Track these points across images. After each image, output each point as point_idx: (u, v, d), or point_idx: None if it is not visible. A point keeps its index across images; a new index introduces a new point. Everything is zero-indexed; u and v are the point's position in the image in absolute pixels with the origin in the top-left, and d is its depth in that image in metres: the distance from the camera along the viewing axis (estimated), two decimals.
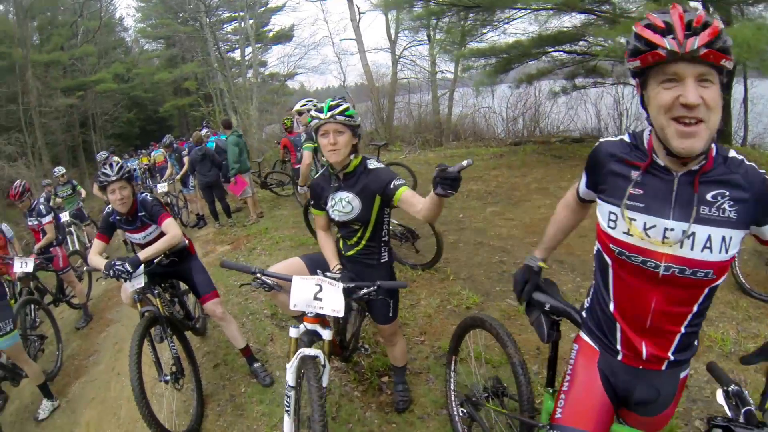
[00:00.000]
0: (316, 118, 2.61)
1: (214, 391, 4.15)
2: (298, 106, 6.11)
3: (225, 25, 25.82)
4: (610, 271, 1.65)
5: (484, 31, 13.67)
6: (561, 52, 12.54)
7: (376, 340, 4.41)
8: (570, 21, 11.58)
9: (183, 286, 4.55)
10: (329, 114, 2.55)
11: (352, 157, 2.73)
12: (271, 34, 25.47)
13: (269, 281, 2.66)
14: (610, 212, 1.58)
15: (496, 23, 13.09)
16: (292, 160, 9.51)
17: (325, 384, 2.45)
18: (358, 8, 19.11)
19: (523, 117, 15.60)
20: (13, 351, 4.42)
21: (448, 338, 4.28)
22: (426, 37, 18.62)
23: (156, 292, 3.75)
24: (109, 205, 3.72)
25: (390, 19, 18.99)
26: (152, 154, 13.51)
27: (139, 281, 3.52)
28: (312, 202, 3.02)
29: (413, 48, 19.48)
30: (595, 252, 1.73)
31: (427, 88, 19.16)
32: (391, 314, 3.01)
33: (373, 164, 2.76)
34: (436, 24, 16.80)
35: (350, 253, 2.96)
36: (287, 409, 2.48)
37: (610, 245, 1.59)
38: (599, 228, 1.64)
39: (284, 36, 25.09)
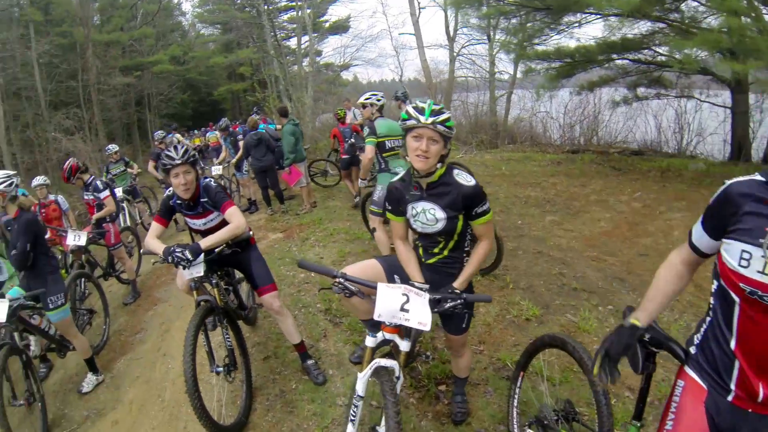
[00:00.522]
0: (413, 118, 2.41)
1: (263, 385, 4.01)
2: (362, 99, 5.95)
3: (282, 13, 25.93)
4: (737, 309, 1.56)
5: (551, 34, 13.20)
6: (626, 60, 12.06)
7: (434, 346, 4.21)
8: (636, 28, 11.08)
9: (238, 274, 4.43)
10: (431, 120, 2.38)
11: (438, 165, 2.55)
12: (327, 25, 25.44)
13: (352, 287, 2.48)
14: (743, 251, 1.48)
15: (563, 27, 12.62)
16: (340, 150, 9.52)
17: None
18: (419, 3, 19.08)
19: (581, 124, 15.11)
20: (63, 325, 4.41)
21: (508, 349, 4.10)
22: (486, 37, 18.31)
23: (214, 281, 3.61)
24: (170, 188, 3.58)
25: (449, 16, 18.83)
26: (207, 135, 13.61)
27: (198, 270, 3.39)
28: (390, 208, 2.84)
29: (471, 46, 19.29)
30: (714, 289, 1.66)
31: (484, 88, 18.86)
32: (464, 325, 2.89)
33: (462, 177, 2.58)
34: (497, 23, 16.57)
35: (431, 261, 2.82)
36: (352, 419, 2.43)
37: (740, 284, 1.49)
38: (725, 267, 1.55)
39: (341, 27, 25.05)
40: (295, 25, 23.85)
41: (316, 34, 22.10)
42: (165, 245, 3.40)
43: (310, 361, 3.96)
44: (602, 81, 13.16)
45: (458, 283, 2.63)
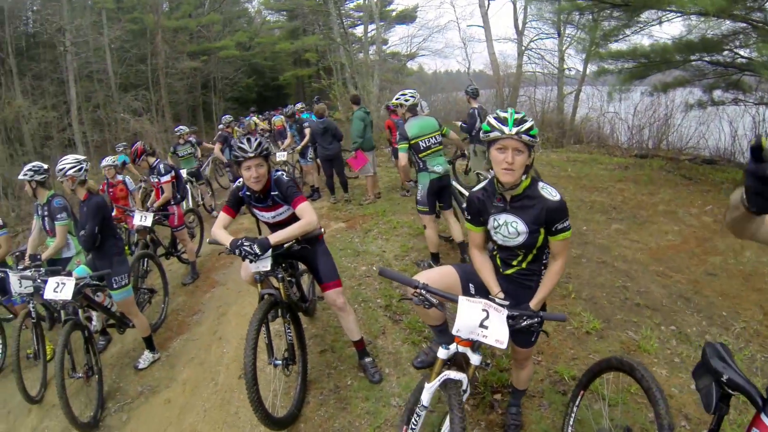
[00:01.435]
0: (496, 129, 2.35)
1: (318, 378, 3.96)
2: (393, 100, 5.85)
3: (348, 1, 26.01)
4: None
5: (626, 32, 12.52)
6: (703, 62, 11.24)
7: (493, 353, 4.04)
8: (717, 28, 10.29)
9: (302, 266, 4.38)
10: (515, 130, 2.31)
11: (523, 177, 2.48)
12: (394, 14, 25.35)
13: (433, 299, 2.44)
14: None
15: (640, 25, 11.91)
16: (393, 141, 9.38)
17: None
18: None
19: (650, 127, 14.32)
20: (125, 304, 4.54)
21: (566, 362, 3.96)
22: (556, 32, 17.73)
23: (279, 275, 3.52)
24: (240, 179, 3.51)
25: (518, 9, 18.38)
26: (273, 119, 13.75)
27: (265, 264, 3.31)
28: (469, 217, 2.79)
29: (540, 41, 18.64)
30: None
31: (551, 84, 18.22)
32: (533, 339, 2.82)
33: (547, 191, 2.52)
34: (568, 18, 15.76)
35: (508, 272, 2.78)
36: (413, 428, 2.47)
37: None
38: None
39: (408, 16, 24.88)
40: (361, 13, 23.84)
41: (382, 23, 22.03)
42: (232, 237, 3.35)
43: (367, 359, 3.90)
44: (677, 83, 12.36)
45: (534, 303, 2.62)
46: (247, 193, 3.51)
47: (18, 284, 4.36)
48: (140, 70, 19.78)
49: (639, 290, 5.06)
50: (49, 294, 3.85)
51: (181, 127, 10.19)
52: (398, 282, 2.56)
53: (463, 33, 26.68)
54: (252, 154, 3.21)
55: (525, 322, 2.33)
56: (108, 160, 7.48)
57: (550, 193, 2.49)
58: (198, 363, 4.65)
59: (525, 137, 2.32)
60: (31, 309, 4.52)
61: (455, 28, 27.03)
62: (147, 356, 4.76)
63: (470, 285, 2.90)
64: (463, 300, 2.33)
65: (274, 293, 3.47)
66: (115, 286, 4.37)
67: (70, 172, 4.26)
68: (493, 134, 2.35)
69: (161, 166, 6.49)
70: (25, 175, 4.81)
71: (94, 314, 4.94)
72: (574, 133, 16.34)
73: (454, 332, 2.31)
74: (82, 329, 4.07)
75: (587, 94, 17.25)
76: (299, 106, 12.40)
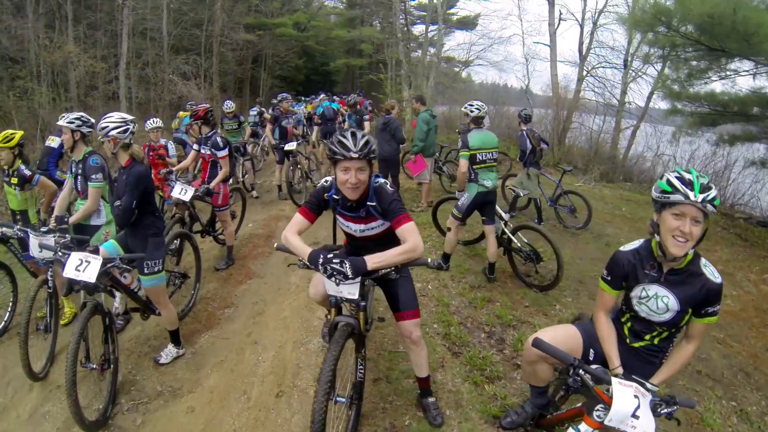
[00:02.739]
0: (680, 193, 2.16)
1: (371, 412, 3.45)
2: (462, 108, 5.84)
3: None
4: None
5: (711, 76, 11.80)
6: None
7: None
8: None
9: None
10: (700, 197, 2.13)
11: (691, 250, 2.28)
12: (455, 18, 24.70)
13: (589, 381, 2.20)
14: None
15: (727, 72, 11.15)
16: None
17: None
18: (560, 13, 17.90)
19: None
20: (155, 292, 3.97)
21: None
22: (622, 63, 17.08)
23: (363, 304, 2.85)
24: (327, 178, 2.97)
25: (585, 33, 17.76)
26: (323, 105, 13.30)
27: (353, 291, 2.72)
28: (609, 278, 2.58)
29: (602, 69, 17.95)
30: None
31: (608, 114, 17.69)
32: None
33: (709, 270, 2.35)
34: (636, 50, 15.74)
35: (637, 345, 2.58)
36: None
37: None
38: None
39: (469, 23, 24.21)
40: (424, 13, 23.29)
41: (444, 26, 21.40)
42: (310, 247, 2.75)
43: (430, 399, 3.45)
44: (745, 137, 11.90)
45: (657, 380, 2.44)
46: (335, 196, 2.92)
47: (37, 249, 3.84)
48: (194, 34, 19.56)
49: (700, 356, 4.66)
50: (69, 272, 3.29)
51: (227, 102, 9.78)
52: (554, 356, 2.27)
53: (527, 49, 25.65)
54: (355, 155, 2.62)
55: (664, 411, 2.09)
56: (154, 122, 6.95)
57: (712, 273, 2.32)
58: (228, 369, 4.09)
59: (709, 207, 2.14)
60: (49, 277, 4.05)
61: (518, 43, 26.54)
62: (170, 350, 4.20)
63: (591, 350, 2.67)
64: (616, 383, 2.08)
65: (354, 324, 2.84)
66: (146, 271, 3.79)
67: (114, 132, 3.66)
68: (675, 197, 2.17)
69: (218, 138, 5.85)
70: (72, 122, 4.27)
71: (117, 295, 4.46)
72: (625, 170, 15.89)
73: (606, 422, 2.05)
74: (103, 315, 3.52)
75: (645, 132, 16.94)
76: (321, 95, 11.99)
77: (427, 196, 8.90)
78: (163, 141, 6.91)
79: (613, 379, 2.10)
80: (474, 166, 5.43)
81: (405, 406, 3.53)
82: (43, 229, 3.97)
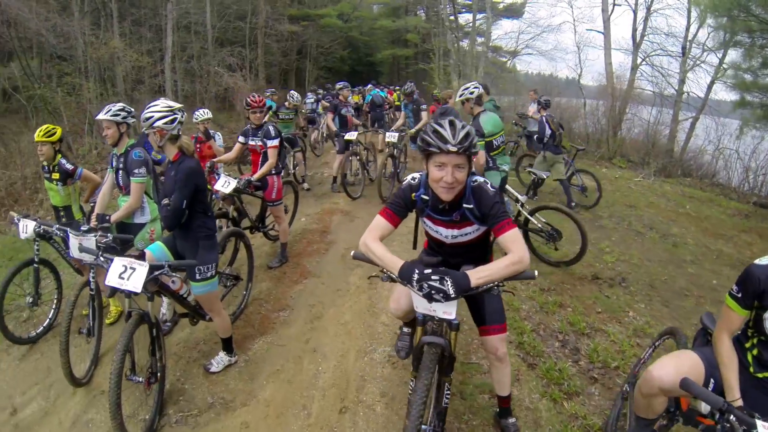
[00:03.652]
0: None
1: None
2: (458, 98, 5.72)
3: None
4: None
5: None
6: None
7: None
8: None
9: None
10: None
11: None
12: (501, 6, 23.82)
13: (738, 427, 1.87)
14: None
15: None
16: None
17: None
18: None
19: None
20: (207, 299, 3.58)
21: None
22: (680, 51, 15.93)
23: (456, 322, 2.36)
24: (415, 175, 2.61)
25: (638, 19, 16.74)
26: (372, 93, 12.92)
27: (451, 310, 2.29)
28: (739, 295, 2.21)
29: (657, 57, 16.86)
30: None
31: (664, 106, 16.59)
32: None
33: None
34: (695, 37, 14.93)
35: (762, 375, 2.21)
36: None
37: None
38: None
39: (516, 11, 23.28)
40: (470, 1, 22.59)
41: (491, 13, 20.67)
42: (403, 260, 2.35)
43: (510, 420, 3.13)
44: None
45: None
46: (424, 196, 2.55)
47: (77, 249, 3.58)
48: (238, 26, 19.54)
49: None
50: (112, 279, 2.98)
51: (292, 92, 9.50)
52: (703, 399, 1.98)
53: (578, 37, 24.46)
54: (453, 148, 2.23)
55: None
56: (204, 113, 6.65)
57: None
58: (285, 380, 3.72)
59: None
60: (91, 279, 3.75)
61: (568, 30, 25.58)
62: (222, 358, 3.83)
63: (711, 380, 2.29)
64: (762, 427, 1.83)
65: (444, 345, 2.40)
66: (198, 277, 3.39)
67: (160, 123, 3.23)
68: None
69: (270, 127, 5.43)
70: (117, 115, 3.97)
71: (165, 301, 4.16)
72: (683, 164, 15.08)
73: None
74: (150, 324, 3.18)
75: (704, 124, 15.92)
76: (369, 86, 11.62)
77: None
78: (211, 132, 6.60)
79: (759, 423, 1.85)
80: (492, 153, 5.27)
81: (482, 426, 3.19)
82: (83, 227, 3.73)
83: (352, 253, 2.54)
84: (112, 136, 4.01)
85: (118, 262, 2.99)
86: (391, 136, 8.73)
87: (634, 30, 16.94)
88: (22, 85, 13.13)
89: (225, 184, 5.15)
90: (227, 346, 3.82)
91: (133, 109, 4.15)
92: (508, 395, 3.02)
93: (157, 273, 3.05)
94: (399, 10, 26.60)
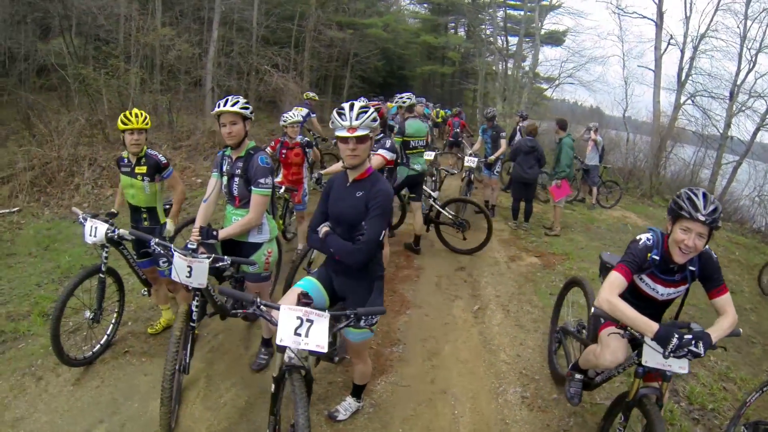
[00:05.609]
0: None
1: None
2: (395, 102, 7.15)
3: (499, 8, 24.64)
4: None
5: None
6: None
7: None
8: None
9: None
10: None
11: None
12: (543, 32, 23.74)
13: None
14: None
15: None
16: None
17: None
18: (670, 38, 16.88)
19: None
20: (361, 346, 3.04)
21: None
22: (728, 93, 15.91)
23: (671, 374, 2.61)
24: (647, 235, 2.77)
25: (685, 59, 16.74)
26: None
27: (684, 366, 2.55)
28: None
29: (702, 98, 16.84)
30: None
31: (705, 146, 16.80)
32: None
33: None
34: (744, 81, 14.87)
35: None
36: None
37: None
38: None
39: (556, 39, 23.15)
40: (515, 26, 22.48)
41: (530, 39, 20.59)
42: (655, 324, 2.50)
43: None
44: None
45: None
46: (656, 257, 2.71)
47: (183, 273, 3.08)
48: (285, 27, 19.31)
49: None
50: (287, 338, 2.31)
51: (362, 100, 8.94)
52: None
53: (626, 71, 24.08)
54: (702, 218, 2.46)
55: None
56: (294, 115, 6.02)
57: None
58: (423, 427, 3.36)
59: None
60: (194, 309, 3.21)
61: (615, 64, 25.74)
62: (350, 404, 3.40)
63: None
64: None
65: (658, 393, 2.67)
66: (363, 324, 2.57)
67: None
68: None
69: (388, 141, 4.99)
70: (246, 107, 3.33)
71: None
72: (723, 208, 14.61)
73: None
74: (309, 380, 2.65)
75: (746, 170, 16.16)
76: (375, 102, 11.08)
77: (558, 221, 8.64)
78: (299, 138, 6.05)
79: None
80: (407, 151, 6.15)
81: None
82: (191, 245, 3.16)
83: (593, 310, 2.65)
84: (237, 134, 3.32)
85: (291, 314, 2.31)
86: (470, 161, 8.54)
87: (680, 69, 17.02)
88: (60, 64, 12.76)
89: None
90: (358, 391, 3.39)
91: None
92: None
93: (337, 327, 2.44)
94: (439, 27, 26.42)
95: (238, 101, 3.28)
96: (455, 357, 4.23)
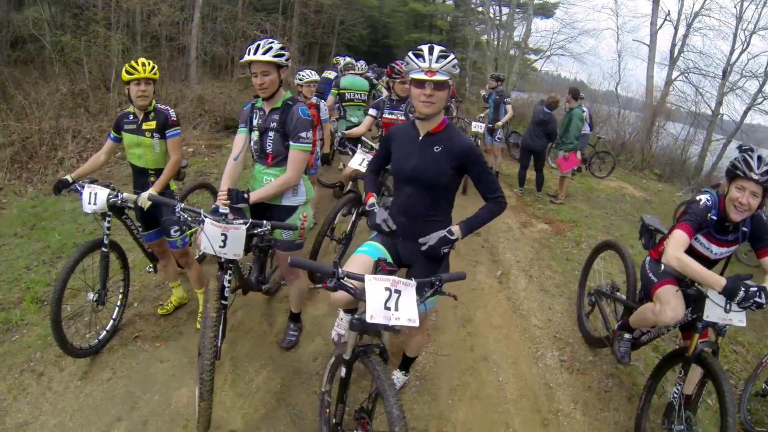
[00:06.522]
0: None
1: None
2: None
3: None
4: None
5: None
6: None
7: None
8: None
9: None
10: None
11: None
12: (535, 3, 23.29)
13: None
14: None
15: None
16: None
17: None
18: (668, 13, 16.84)
19: None
20: (423, 317, 2.69)
21: None
22: (720, 72, 16.00)
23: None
24: (706, 196, 2.85)
25: (678, 36, 16.87)
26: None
27: (743, 319, 2.71)
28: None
29: (694, 75, 16.95)
30: None
31: (694, 125, 16.73)
32: None
33: None
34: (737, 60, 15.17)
35: None
36: None
37: None
38: None
39: (546, 10, 22.68)
40: None
41: (519, 10, 20.20)
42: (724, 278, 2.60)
43: None
44: None
45: None
46: (713, 217, 2.81)
47: (216, 242, 2.64)
48: None
49: None
50: (380, 317, 1.97)
51: (361, 61, 8.69)
52: None
53: (620, 45, 23.69)
54: (756, 177, 2.60)
55: None
56: (311, 74, 5.56)
57: None
58: (471, 396, 3.23)
59: None
60: (227, 284, 2.75)
61: (609, 38, 25.32)
62: (398, 378, 3.18)
63: None
64: None
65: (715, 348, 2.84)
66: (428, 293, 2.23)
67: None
68: None
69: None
70: (280, 55, 2.82)
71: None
72: (710, 184, 14.92)
73: None
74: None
75: (734, 149, 15.61)
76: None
77: (564, 190, 8.63)
78: (314, 99, 5.69)
79: None
80: (343, 103, 6.67)
81: None
82: (222, 210, 2.72)
83: (663, 267, 2.76)
84: (271, 86, 2.86)
85: (378, 285, 1.98)
86: (478, 126, 8.37)
87: (673, 45, 17.08)
88: (38, 33, 12.11)
89: (364, 163, 4.42)
90: (407, 364, 3.17)
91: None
92: None
93: (427, 295, 2.12)
94: None
95: (271, 47, 2.80)
96: (488, 323, 4.12)
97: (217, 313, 2.60)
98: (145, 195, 3.26)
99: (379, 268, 2.04)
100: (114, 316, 3.57)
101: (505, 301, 4.57)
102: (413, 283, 2.01)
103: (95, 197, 3.22)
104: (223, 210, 2.71)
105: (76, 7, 13.57)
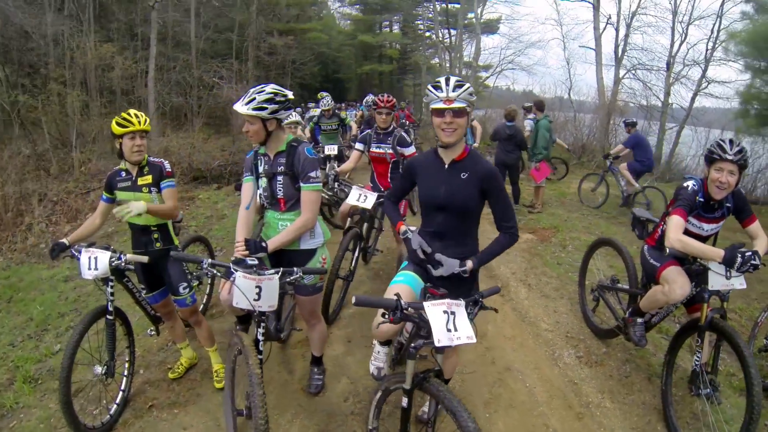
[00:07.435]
0: None
1: None
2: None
3: (427, 2, 24.92)
4: None
5: None
6: None
7: None
8: None
9: None
10: None
11: None
12: (475, 20, 24.14)
13: None
14: None
15: None
16: None
17: None
18: (609, 17, 17.89)
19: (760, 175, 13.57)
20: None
21: None
22: (665, 65, 16.96)
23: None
24: (692, 182, 3.17)
25: (620, 36, 17.92)
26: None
27: (743, 282, 3.09)
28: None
29: (641, 71, 17.88)
30: None
31: (647, 117, 17.47)
32: None
33: None
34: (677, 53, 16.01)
35: None
36: None
37: None
38: None
39: (491, 27, 23.57)
40: (441, 18, 22.83)
41: (463, 30, 21.04)
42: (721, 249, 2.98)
43: None
44: None
45: None
46: (700, 198, 3.14)
47: (250, 295, 2.53)
48: (226, 38, 18.99)
49: None
50: (445, 339, 2.02)
51: (326, 97, 8.29)
52: None
53: (568, 53, 24.72)
54: (730, 157, 2.96)
55: None
56: (292, 115, 5.68)
57: None
58: (506, 406, 3.34)
59: None
60: (260, 336, 2.70)
61: (556, 47, 26.61)
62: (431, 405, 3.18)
63: None
64: None
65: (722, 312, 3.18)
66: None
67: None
68: None
69: (404, 133, 4.73)
70: (261, 108, 2.70)
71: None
72: (671, 170, 15.85)
73: None
74: None
75: (689, 134, 16.81)
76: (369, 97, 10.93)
77: (540, 199, 8.98)
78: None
79: None
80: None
81: None
82: (250, 261, 2.59)
83: (668, 250, 3.00)
84: (256, 135, 2.79)
85: (438, 309, 2.03)
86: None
87: (616, 46, 18.06)
88: None
89: (362, 198, 4.39)
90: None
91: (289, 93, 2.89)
92: None
93: (474, 314, 2.19)
94: (374, 26, 26.50)
95: (254, 99, 2.69)
96: (501, 335, 4.27)
97: (260, 369, 2.49)
98: (141, 204, 3.06)
99: (428, 294, 2.13)
100: (123, 387, 3.34)
101: (512, 312, 4.74)
102: (462, 302, 2.08)
103: (96, 261, 3.01)
104: (251, 261, 2.60)
105: (29, 66, 13.36)
